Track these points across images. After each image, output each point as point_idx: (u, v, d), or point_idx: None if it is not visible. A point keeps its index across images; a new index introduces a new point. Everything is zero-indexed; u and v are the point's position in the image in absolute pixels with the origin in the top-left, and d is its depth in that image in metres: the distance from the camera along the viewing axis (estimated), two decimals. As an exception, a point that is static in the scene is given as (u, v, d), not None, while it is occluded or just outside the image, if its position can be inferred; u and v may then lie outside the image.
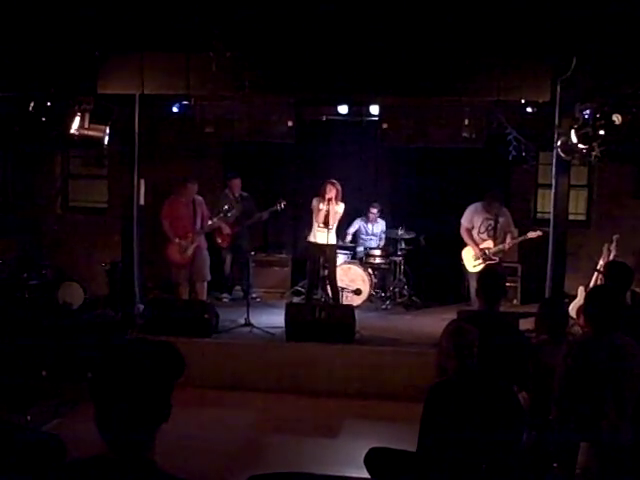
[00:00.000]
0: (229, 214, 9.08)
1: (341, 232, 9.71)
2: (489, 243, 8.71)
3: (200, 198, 8.98)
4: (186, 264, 8.71)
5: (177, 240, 8.61)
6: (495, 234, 8.72)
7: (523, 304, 9.57)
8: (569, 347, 4.18)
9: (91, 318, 8.67)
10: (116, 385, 1.86)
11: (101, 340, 7.66)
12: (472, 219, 8.76)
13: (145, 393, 1.87)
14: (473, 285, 8.43)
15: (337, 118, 9.58)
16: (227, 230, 9.61)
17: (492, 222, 8.71)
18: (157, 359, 1.92)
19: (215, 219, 8.99)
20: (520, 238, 8.80)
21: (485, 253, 8.67)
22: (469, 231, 8.77)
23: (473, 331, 3.97)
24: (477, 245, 8.71)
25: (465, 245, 8.85)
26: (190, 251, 8.67)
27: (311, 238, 8.99)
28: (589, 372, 4.00)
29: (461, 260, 8.93)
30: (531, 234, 8.64)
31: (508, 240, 8.73)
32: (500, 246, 8.67)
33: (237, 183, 9.93)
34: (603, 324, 4.08)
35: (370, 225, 10.36)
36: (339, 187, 8.71)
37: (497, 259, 8.67)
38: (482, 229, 8.74)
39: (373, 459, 4.07)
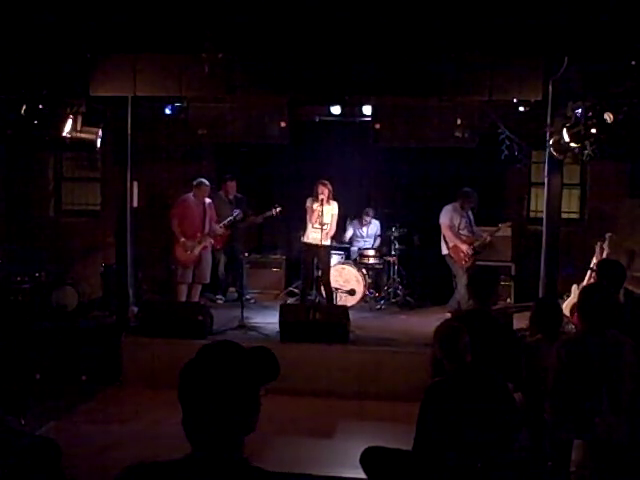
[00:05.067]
0: (237, 218, 9.13)
1: (337, 237, 9.72)
2: (471, 239, 9.05)
3: (209, 200, 9.02)
4: (192, 264, 8.76)
5: (182, 240, 8.68)
6: (472, 229, 9.15)
7: (517, 303, 9.58)
8: (563, 345, 4.19)
9: (85, 321, 8.66)
10: (207, 387, 1.88)
11: (96, 343, 7.69)
12: (452, 218, 9.01)
13: (235, 395, 1.90)
14: (462, 283, 8.57)
15: (330, 119, 9.58)
16: (220, 232, 9.62)
17: (467, 219, 9.10)
18: (249, 361, 1.98)
19: (226, 222, 9.05)
20: (496, 228, 9.32)
21: (473, 248, 8.95)
22: (452, 228, 8.98)
23: (464, 331, 3.97)
24: (464, 242, 8.95)
25: (447, 245, 9.03)
26: (197, 251, 8.73)
27: (305, 239, 9.01)
28: (583, 370, 4.01)
29: (451, 259, 8.98)
30: (502, 225, 9.30)
31: (485, 234, 9.16)
32: (482, 239, 9.08)
33: (232, 185, 9.95)
34: (597, 322, 4.10)
35: (364, 228, 10.38)
36: (330, 187, 8.80)
37: (482, 251, 9.09)
38: (462, 226, 9.03)
39: (369, 458, 4.08)
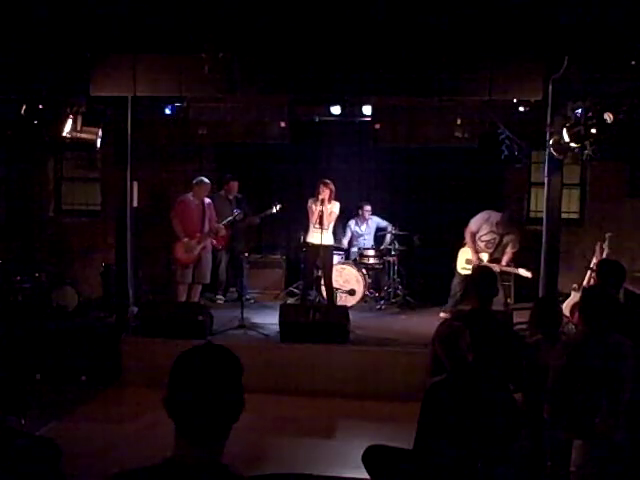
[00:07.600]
0: (237, 218, 9.15)
1: (337, 237, 9.70)
2: (485, 255, 8.71)
3: (209, 200, 9.03)
4: (192, 264, 8.77)
5: (185, 239, 8.67)
6: (495, 249, 8.68)
7: (516, 302, 9.58)
8: (564, 346, 4.19)
9: (85, 321, 8.66)
10: (194, 393, 1.92)
11: (95, 343, 7.69)
12: (481, 225, 8.68)
13: (223, 396, 1.98)
14: (456, 284, 8.70)
15: (330, 119, 9.59)
16: (222, 232, 9.63)
17: (497, 237, 8.64)
18: (229, 363, 2.07)
19: (226, 222, 9.08)
20: (512, 269, 8.61)
21: (468, 260, 8.73)
22: (473, 235, 8.70)
23: (464, 331, 3.97)
24: (476, 252, 8.69)
25: (463, 245, 8.87)
26: (197, 251, 8.73)
27: (307, 239, 9.00)
28: (584, 371, 4.01)
29: (455, 259, 8.93)
30: (522, 272, 8.43)
31: (503, 263, 8.56)
32: (494, 265, 8.27)
33: (234, 185, 9.96)
34: (599, 324, 4.10)
35: (363, 226, 10.36)
36: (332, 187, 8.72)
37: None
38: (484, 238, 8.69)
39: (371, 457, 4.08)
